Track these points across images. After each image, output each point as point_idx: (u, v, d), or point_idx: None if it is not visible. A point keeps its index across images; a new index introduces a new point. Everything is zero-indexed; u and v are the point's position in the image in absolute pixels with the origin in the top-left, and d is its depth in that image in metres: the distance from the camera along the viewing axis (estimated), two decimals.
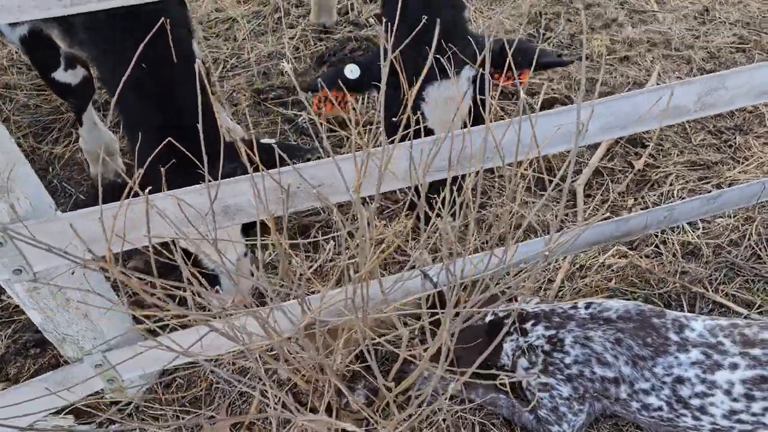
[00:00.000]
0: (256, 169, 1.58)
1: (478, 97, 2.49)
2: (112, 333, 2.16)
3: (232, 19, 4.13)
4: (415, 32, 2.20)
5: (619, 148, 3.34)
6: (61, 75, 2.79)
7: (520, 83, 2.54)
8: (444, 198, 1.66)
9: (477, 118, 2.50)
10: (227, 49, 3.96)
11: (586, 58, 3.80)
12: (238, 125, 3.34)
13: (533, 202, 3.10)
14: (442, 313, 1.69)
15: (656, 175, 3.21)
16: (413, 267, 2.28)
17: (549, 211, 3.07)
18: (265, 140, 2.25)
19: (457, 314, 1.94)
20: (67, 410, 2.26)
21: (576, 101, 1.93)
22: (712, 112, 2.21)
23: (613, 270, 2.78)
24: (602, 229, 2.62)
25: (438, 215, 1.67)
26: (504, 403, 2.35)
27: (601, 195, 3.17)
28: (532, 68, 2.43)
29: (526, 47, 2.53)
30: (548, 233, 2.33)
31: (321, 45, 3.94)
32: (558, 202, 3.12)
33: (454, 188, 1.77)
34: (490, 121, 1.77)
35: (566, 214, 3.09)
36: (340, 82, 2.42)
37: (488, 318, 2.33)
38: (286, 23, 4.13)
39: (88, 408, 2.24)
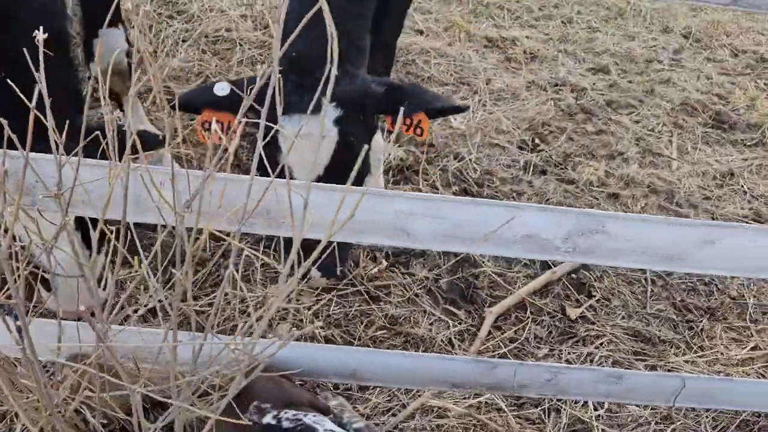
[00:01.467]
0: None
1: (351, 143, 2.25)
2: None
3: (236, 42, 4.00)
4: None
5: (560, 288, 2.84)
6: None
7: (419, 133, 2.29)
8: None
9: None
10: (215, 67, 3.81)
11: (571, 183, 3.35)
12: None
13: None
14: None
15: (586, 331, 2.68)
16: None
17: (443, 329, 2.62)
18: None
19: None
20: None
21: None
22: (594, 262, 1.76)
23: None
24: (463, 367, 2.15)
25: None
26: None
27: (515, 333, 2.67)
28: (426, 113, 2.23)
29: (417, 90, 2.31)
30: None
31: None
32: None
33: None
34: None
35: (463, 339, 2.62)
36: (208, 101, 2.17)
37: (266, 419, 1.89)
38: None
39: None
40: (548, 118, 3.70)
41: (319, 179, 2.19)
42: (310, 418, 1.82)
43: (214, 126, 1.90)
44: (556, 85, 4.01)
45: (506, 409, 2.36)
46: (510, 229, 1.65)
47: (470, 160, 3.38)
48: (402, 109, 2.00)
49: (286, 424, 1.84)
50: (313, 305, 2.66)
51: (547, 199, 3.23)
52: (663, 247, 1.68)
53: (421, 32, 4.30)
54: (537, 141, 3.56)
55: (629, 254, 1.70)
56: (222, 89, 2.15)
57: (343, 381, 2.25)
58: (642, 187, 3.37)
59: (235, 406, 1.75)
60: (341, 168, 2.13)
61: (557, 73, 4.09)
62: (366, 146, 2.16)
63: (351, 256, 2.76)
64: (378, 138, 3.08)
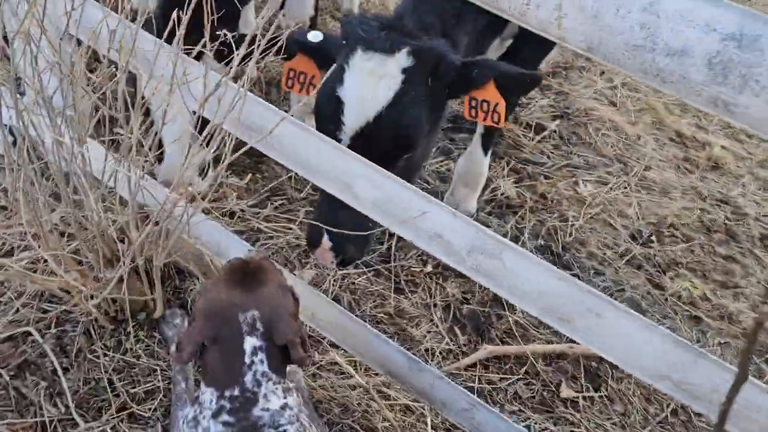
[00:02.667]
0: None
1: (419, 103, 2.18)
2: None
3: None
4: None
5: (571, 366, 2.74)
6: None
7: (495, 120, 2.21)
8: None
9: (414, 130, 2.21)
10: None
11: (659, 287, 3.13)
12: None
13: None
14: None
15: (565, 414, 2.57)
16: None
17: None
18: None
19: None
20: None
21: None
22: (495, 289, 1.80)
23: None
24: (396, 356, 2.28)
25: None
26: (180, 389, 2.26)
27: (499, 379, 2.67)
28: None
29: (490, 61, 2.25)
30: None
31: None
32: None
33: None
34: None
35: (447, 357, 2.69)
36: (302, 43, 2.37)
37: None
38: None
39: None
40: (681, 223, 3.46)
41: (365, 127, 2.16)
42: None
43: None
44: (719, 201, 3.70)
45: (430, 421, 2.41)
46: (426, 222, 1.79)
47: (572, 225, 3.34)
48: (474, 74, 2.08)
49: None
50: (342, 269, 2.94)
51: (621, 289, 3.08)
52: (556, 304, 1.67)
53: (614, 104, 4.26)
54: (653, 238, 3.37)
55: (526, 296, 1.72)
56: (315, 36, 2.35)
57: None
58: (735, 327, 3.01)
59: None
60: (390, 123, 2.15)
61: (729, 191, 3.77)
62: (427, 127, 2.23)
63: (367, 244, 2.55)
64: (483, 161, 3.23)
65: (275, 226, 3.08)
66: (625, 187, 3.66)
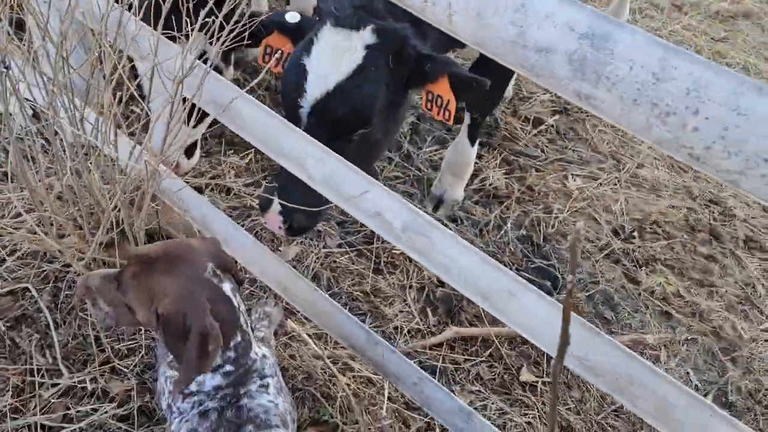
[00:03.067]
0: None
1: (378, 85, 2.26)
2: None
3: None
4: None
5: (535, 353, 2.84)
6: None
7: (446, 117, 2.29)
8: None
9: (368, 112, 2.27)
10: None
11: (634, 282, 3.19)
12: None
13: None
14: None
15: (522, 397, 2.68)
16: None
17: None
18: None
19: None
20: None
21: None
22: (428, 267, 1.92)
23: None
24: (357, 330, 2.42)
25: None
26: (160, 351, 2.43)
27: (463, 360, 2.79)
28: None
29: (448, 59, 2.31)
30: None
31: None
32: None
33: None
34: None
35: (414, 336, 2.83)
36: (279, 23, 2.48)
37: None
38: None
39: None
40: (666, 221, 3.51)
41: (324, 97, 2.25)
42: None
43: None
44: (709, 201, 3.72)
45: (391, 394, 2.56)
46: (367, 202, 1.93)
47: (556, 217, 3.43)
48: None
49: None
50: (326, 248, 3.11)
51: (596, 281, 3.16)
52: (479, 282, 1.80)
53: None
54: (635, 234, 3.43)
55: (455, 275, 1.85)
56: (292, 17, 2.46)
57: (274, 288, 2.65)
58: (704, 325, 3.06)
59: None
60: (346, 94, 2.25)
61: (721, 192, 3.79)
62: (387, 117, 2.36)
63: (319, 215, 2.56)
64: (470, 151, 3.34)
65: None
66: (615, 184, 3.72)
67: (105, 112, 2.19)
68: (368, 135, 2.33)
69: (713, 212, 3.65)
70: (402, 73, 2.33)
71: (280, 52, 2.54)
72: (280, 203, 2.42)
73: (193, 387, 1.80)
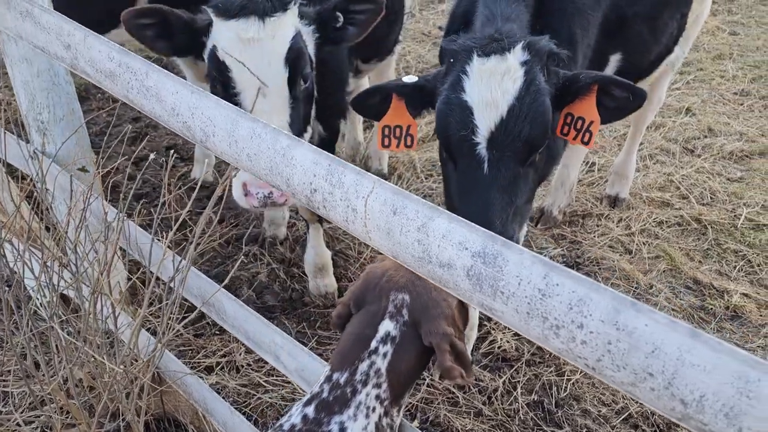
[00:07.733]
0: None
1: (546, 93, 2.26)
2: None
3: None
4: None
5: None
6: None
7: (586, 139, 2.27)
8: None
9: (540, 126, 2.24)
10: None
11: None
12: None
13: None
14: None
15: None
16: None
17: None
18: None
19: None
20: None
21: None
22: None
23: None
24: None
25: None
26: None
27: None
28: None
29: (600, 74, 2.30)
30: None
31: None
32: None
33: None
34: None
35: None
36: (398, 87, 2.48)
37: None
38: None
39: None
40: None
41: (500, 123, 2.21)
42: None
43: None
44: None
45: None
46: None
47: (568, 379, 3.33)
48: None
49: None
50: None
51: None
52: None
53: (630, 251, 4.28)
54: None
55: None
56: (410, 79, 2.44)
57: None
58: None
59: None
60: (525, 110, 2.20)
61: (747, 342, 3.62)
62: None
63: None
64: None
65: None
66: None
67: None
68: (547, 150, 2.29)
69: None
70: (552, 86, 2.31)
71: (399, 128, 2.47)
72: None
73: None
